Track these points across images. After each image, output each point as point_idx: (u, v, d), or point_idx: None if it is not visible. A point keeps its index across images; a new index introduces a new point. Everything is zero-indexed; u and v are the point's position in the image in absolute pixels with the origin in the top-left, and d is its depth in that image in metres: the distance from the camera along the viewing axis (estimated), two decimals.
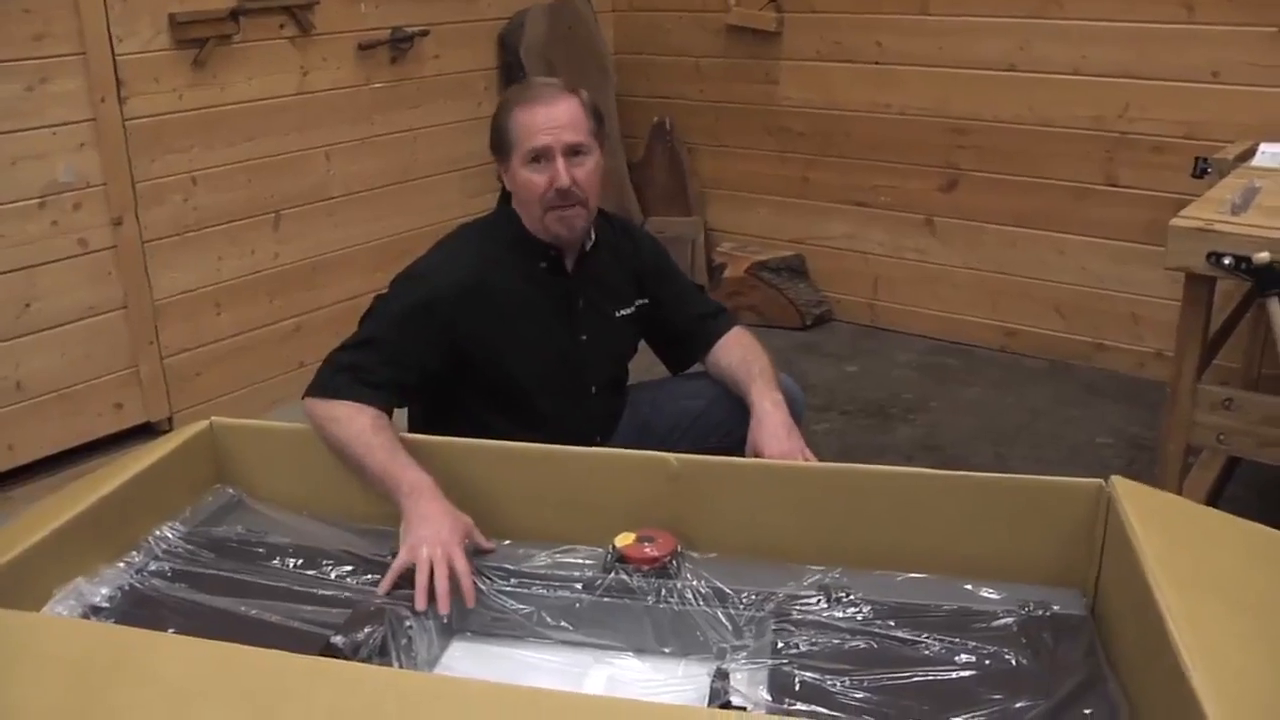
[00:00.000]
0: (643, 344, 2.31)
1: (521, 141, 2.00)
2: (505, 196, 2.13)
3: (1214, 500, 2.70)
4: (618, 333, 2.21)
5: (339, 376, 1.90)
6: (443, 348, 1.99)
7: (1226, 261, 2.12)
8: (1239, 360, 3.26)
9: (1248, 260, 2.09)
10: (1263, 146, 2.83)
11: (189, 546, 1.73)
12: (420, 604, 1.58)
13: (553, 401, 2.11)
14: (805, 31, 4.22)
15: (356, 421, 1.82)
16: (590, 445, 2.08)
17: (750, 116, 4.46)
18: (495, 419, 2.04)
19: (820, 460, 1.93)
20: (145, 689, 1.23)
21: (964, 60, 3.88)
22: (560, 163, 1.98)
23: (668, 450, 1.80)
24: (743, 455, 1.99)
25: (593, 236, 2.14)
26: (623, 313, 2.20)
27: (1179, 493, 2.32)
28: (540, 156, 1.99)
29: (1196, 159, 2.94)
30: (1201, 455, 2.79)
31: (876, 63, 4.08)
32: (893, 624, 1.55)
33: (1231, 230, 2.15)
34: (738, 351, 2.18)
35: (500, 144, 2.05)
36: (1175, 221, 2.21)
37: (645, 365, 2.34)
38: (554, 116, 1.99)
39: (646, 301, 2.23)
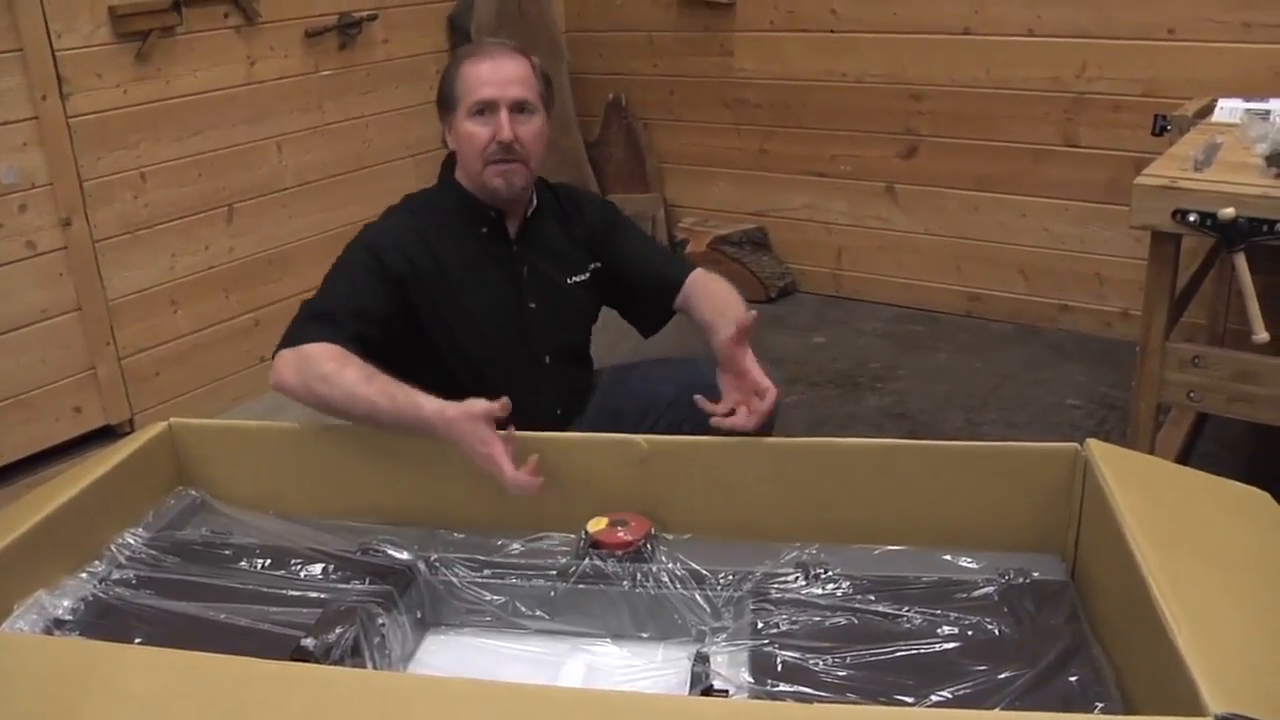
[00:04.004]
0: (615, 317, 2.26)
1: (467, 94, 2.00)
2: (447, 167, 2.12)
3: (1185, 457, 2.71)
4: (569, 300, 2.18)
5: (307, 325, 1.89)
6: (397, 299, 1.98)
7: (1192, 218, 2.11)
8: (1204, 316, 3.27)
9: (1213, 216, 2.08)
10: (1221, 102, 2.83)
11: (152, 552, 1.68)
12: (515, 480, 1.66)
13: (504, 372, 2.07)
14: (759, 1, 4.17)
15: (345, 376, 1.77)
16: (550, 418, 2.05)
17: (706, 90, 4.43)
18: (447, 394, 1.99)
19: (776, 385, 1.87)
20: (114, 704, 1.19)
21: (919, 25, 3.86)
22: (504, 115, 1.99)
23: None
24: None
25: (534, 201, 2.12)
26: (575, 279, 2.17)
27: (1151, 452, 2.32)
28: (484, 109, 1.99)
29: (1156, 116, 2.93)
30: (1171, 413, 2.79)
31: (831, 31, 4.05)
32: (873, 598, 1.53)
33: (1196, 187, 2.14)
34: (707, 299, 2.09)
35: (446, 98, 2.05)
36: (1140, 180, 2.20)
37: (609, 343, 2.31)
38: (502, 71, 2.00)
39: (600, 265, 2.20)
